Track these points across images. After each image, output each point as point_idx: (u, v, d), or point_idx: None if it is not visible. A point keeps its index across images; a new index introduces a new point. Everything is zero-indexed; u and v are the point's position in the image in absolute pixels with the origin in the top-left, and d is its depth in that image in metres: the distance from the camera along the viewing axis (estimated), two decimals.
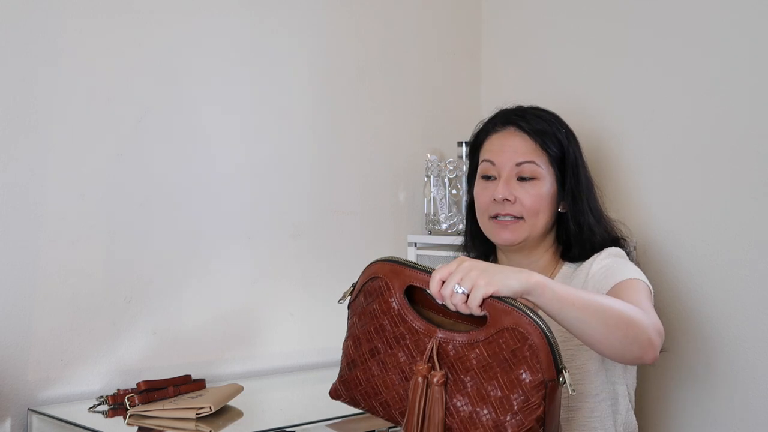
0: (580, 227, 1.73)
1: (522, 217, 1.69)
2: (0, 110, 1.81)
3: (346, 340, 1.38)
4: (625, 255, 1.72)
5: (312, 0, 2.28)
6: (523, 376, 1.23)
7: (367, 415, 1.83)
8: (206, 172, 2.10)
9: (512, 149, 1.70)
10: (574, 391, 1.24)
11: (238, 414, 1.81)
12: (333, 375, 2.22)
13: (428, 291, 1.30)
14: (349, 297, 1.39)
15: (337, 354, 2.32)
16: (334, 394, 1.41)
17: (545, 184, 1.70)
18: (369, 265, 1.36)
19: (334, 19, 2.33)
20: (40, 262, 1.86)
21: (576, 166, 1.74)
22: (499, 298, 1.24)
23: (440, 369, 1.26)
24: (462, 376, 1.26)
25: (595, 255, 1.70)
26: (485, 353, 1.25)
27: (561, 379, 1.23)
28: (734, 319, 2.00)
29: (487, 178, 1.73)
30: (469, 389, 1.25)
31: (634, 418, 1.71)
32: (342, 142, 2.34)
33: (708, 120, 2.06)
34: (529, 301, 1.28)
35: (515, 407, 1.23)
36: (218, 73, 2.12)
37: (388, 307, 1.32)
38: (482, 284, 1.24)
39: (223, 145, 2.14)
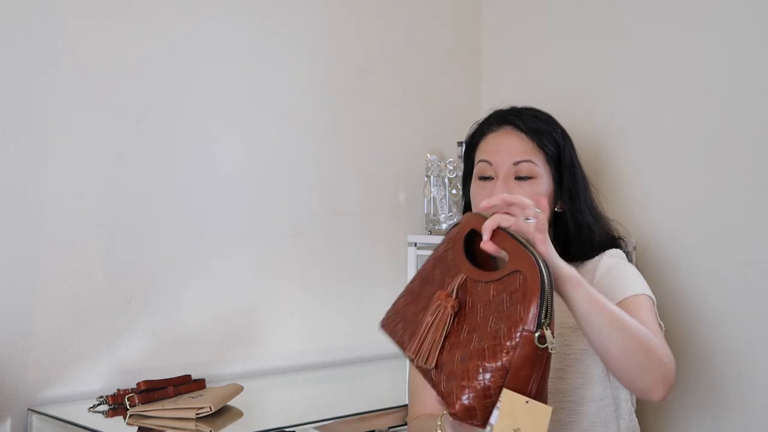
0: (579, 226, 1.72)
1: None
2: (0, 110, 1.81)
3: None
4: (624, 256, 1.72)
5: (312, 0, 2.28)
6: (509, 320, 1.25)
7: (367, 415, 1.84)
8: (206, 172, 2.10)
9: (509, 148, 1.69)
10: (554, 349, 1.23)
11: (238, 414, 1.81)
12: (333, 375, 2.24)
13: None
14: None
15: (337, 354, 2.32)
16: (383, 322, 1.49)
17: (543, 183, 1.69)
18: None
19: (334, 19, 2.33)
20: (40, 262, 1.86)
21: (572, 166, 1.73)
22: (521, 243, 1.31)
23: (455, 298, 1.35)
24: (463, 311, 1.34)
25: (597, 258, 1.69)
26: (492, 293, 1.31)
27: (539, 334, 1.22)
28: (734, 320, 2.00)
29: (484, 178, 1.72)
30: (465, 325, 1.32)
31: (637, 422, 1.71)
32: (342, 142, 2.34)
33: (708, 120, 2.06)
34: (560, 293, 1.33)
35: (486, 347, 1.25)
36: (218, 73, 2.12)
37: (451, 247, 1.43)
38: (536, 231, 1.33)
39: (223, 145, 2.14)
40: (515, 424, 1.21)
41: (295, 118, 2.26)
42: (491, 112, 1.80)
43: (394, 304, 1.49)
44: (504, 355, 1.23)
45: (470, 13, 2.61)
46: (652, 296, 1.61)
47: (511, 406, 1.22)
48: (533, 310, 1.23)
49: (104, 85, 1.94)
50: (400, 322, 1.44)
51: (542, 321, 1.23)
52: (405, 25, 2.47)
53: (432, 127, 2.52)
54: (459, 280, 1.36)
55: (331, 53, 2.32)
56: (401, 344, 1.42)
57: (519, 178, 1.68)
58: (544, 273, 1.26)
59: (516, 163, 1.68)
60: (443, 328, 1.31)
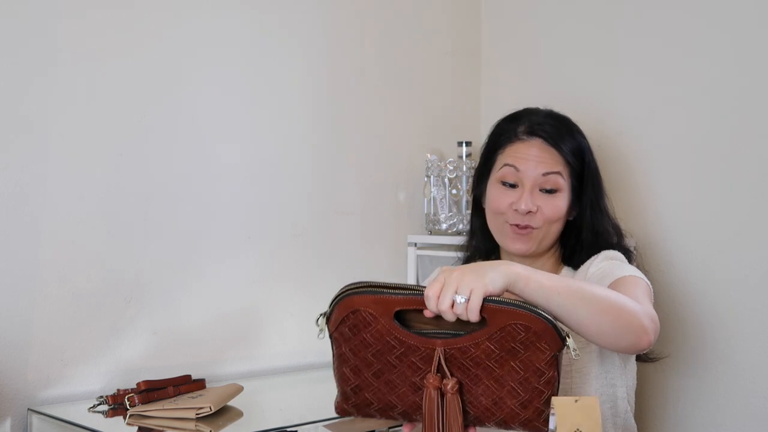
0: (596, 234, 1.74)
1: (538, 227, 1.69)
2: None
3: (339, 368, 1.37)
4: (623, 257, 1.72)
5: (313, 0, 2.28)
6: (534, 357, 1.28)
7: None
8: (206, 172, 2.10)
9: (539, 159, 1.69)
10: (578, 354, 1.28)
11: (238, 414, 1.81)
12: (333, 375, 2.23)
13: (421, 309, 1.30)
14: (326, 329, 1.36)
15: None
16: (343, 413, 1.40)
17: (564, 195, 1.71)
18: (343, 297, 1.34)
19: (334, 19, 2.32)
20: (40, 263, 1.86)
21: (595, 176, 1.75)
22: (491, 301, 1.27)
23: (452, 376, 1.29)
24: (475, 371, 1.29)
25: (592, 258, 1.70)
26: (493, 347, 1.29)
27: (566, 344, 1.28)
28: (734, 320, 2.00)
29: (508, 185, 1.72)
30: (486, 380, 1.29)
31: (633, 421, 1.71)
32: (342, 142, 2.34)
33: (707, 120, 2.06)
34: (514, 293, 1.31)
35: (534, 384, 1.29)
36: (218, 73, 2.12)
37: (380, 335, 1.31)
38: (478, 287, 1.26)
39: (224, 145, 2.14)
40: (575, 425, 1.25)
41: (295, 118, 2.26)
42: (521, 110, 1.78)
43: (356, 402, 1.36)
44: (552, 379, 1.29)
45: (470, 13, 2.61)
46: (647, 280, 1.61)
47: (564, 411, 1.26)
48: (552, 337, 1.28)
49: (104, 85, 1.94)
50: (389, 410, 1.34)
51: (563, 336, 1.28)
52: (405, 24, 2.47)
53: (432, 127, 2.52)
54: (438, 355, 1.29)
55: (331, 53, 2.32)
56: (408, 420, 1.35)
57: (543, 191, 1.69)
58: (533, 308, 1.28)
59: (545, 174, 1.69)
60: (460, 412, 1.29)
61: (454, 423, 1.29)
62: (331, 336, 1.36)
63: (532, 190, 1.69)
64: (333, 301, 1.36)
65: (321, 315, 1.37)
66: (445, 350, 1.29)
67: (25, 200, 1.84)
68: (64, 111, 1.89)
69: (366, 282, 1.33)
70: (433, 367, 1.29)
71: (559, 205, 1.70)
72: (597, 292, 1.37)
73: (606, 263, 1.66)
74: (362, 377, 1.35)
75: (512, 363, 1.30)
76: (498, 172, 1.74)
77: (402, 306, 1.30)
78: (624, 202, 2.16)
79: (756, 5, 1.98)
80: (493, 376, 1.30)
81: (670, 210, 2.12)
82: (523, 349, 1.29)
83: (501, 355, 1.29)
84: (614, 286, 1.55)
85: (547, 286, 1.32)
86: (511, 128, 1.75)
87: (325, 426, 1.77)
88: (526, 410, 1.31)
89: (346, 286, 1.35)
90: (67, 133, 1.90)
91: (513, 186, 1.71)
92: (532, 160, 1.69)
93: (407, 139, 2.47)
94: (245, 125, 2.18)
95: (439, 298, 1.26)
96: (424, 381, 1.29)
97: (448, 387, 1.28)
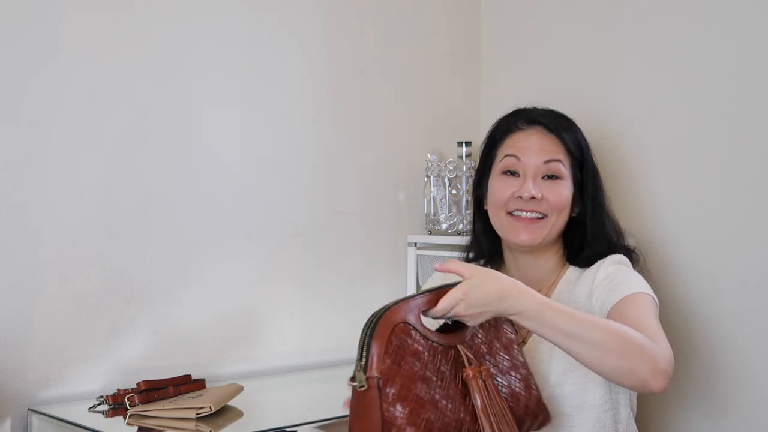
0: (596, 233, 1.73)
1: (546, 215, 1.69)
2: None
3: (395, 411, 1.25)
4: (629, 262, 1.72)
5: (313, 0, 2.28)
6: (503, 334, 1.47)
7: None
8: (206, 172, 2.10)
9: (540, 147, 1.70)
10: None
11: (238, 414, 1.81)
12: (333, 375, 2.23)
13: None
14: (363, 375, 1.26)
15: (337, 354, 2.31)
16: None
17: (567, 184, 1.71)
18: (378, 320, 1.28)
19: (334, 18, 2.33)
20: (40, 263, 1.86)
21: (594, 172, 1.75)
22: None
23: (482, 364, 1.38)
24: (490, 359, 1.43)
25: (599, 262, 1.70)
26: (480, 331, 1.43)
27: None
28: (734, 320, 2.00)
29: (511, 173, 1.72)
30: (501, 367, 1.43)
31: (635, 426, 1.71)
32: (342, 142, 2.34)
33: (707, 120, 2.06)
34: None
35: (517, 361, 1.46)
36: (218, 73, 2.12)
37: (421, 343, 1.32)
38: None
39: (223, 145, 2.14)
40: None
41: (296, 118, 2.26)
42: (514, 110, 1.80)
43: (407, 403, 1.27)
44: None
45: (470, 13, 2.61)
46: (653, 295, 1.61)
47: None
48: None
49: (104, 84, 1.94)
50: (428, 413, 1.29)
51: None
52: (405, 25, 2.47)
53: (432, 127, 2.52)
54: (463, 350, 1.36)
55: (331, 53, 2.32)
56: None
57: (546, 177, 1.69)
58: None
59: (546, 162, 1.69)
60: (498, 393, 1.36)
61: (498, 405, 1.35)
62: (378, 382, 1.26)
63: (534, 178, 1.68)
64: (366, 336, 1.28)
65: (359, 367, 1.27)
66: (464, 345, 1.38)
67: (25, 201, 1.84)
68: (64, 111, 1.89)
69: (386, 305, 1.32)
70: (465, 361, 1.36)
71: (563, 192, 1.69)
72: (610, 334, 1.38)
73: (613, 268, 1.66)
74: (425, 401, 1.28)
75: (496, 344, 1.44)
76: (500, 164, 1.74)
77: (424, 306, 1.34)
78: (624, 202, 2.16)
79: (756, 5, 1.98)
80: (493, 363, 1.41)
81: (670, 210, 2.12)
82: (494, 328, 1.45)
83: (488, 338, 1.43)
84: (624, 304, 1.55)
85: (551, 331, 1.38)
86: (511, 121, 1.76)
87: (327, 426, 1.77)
88: (529, 390, 1.45)
89: (369, 320, 1.30)
90: (67, 133, 1.90)
91: (515, 174, 1.71)
92: (533, 148, 1.70)
93: (407, 139, 2.47)
94: (245, 125, 2.18)
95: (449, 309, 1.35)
96: (464, 376, 1.34)
97: (483, 373, 1.34)
